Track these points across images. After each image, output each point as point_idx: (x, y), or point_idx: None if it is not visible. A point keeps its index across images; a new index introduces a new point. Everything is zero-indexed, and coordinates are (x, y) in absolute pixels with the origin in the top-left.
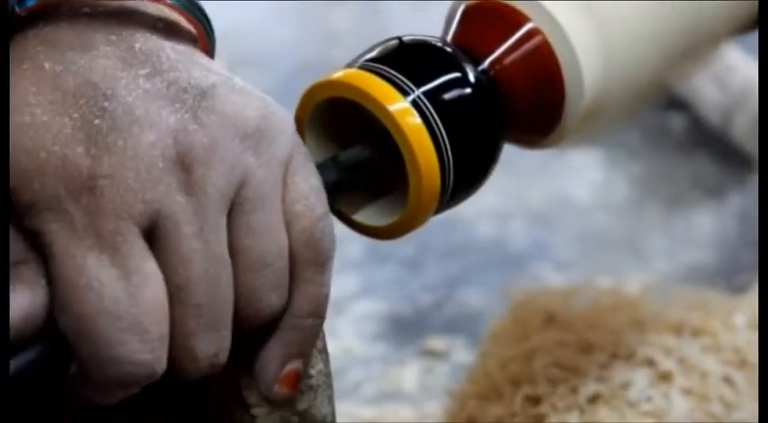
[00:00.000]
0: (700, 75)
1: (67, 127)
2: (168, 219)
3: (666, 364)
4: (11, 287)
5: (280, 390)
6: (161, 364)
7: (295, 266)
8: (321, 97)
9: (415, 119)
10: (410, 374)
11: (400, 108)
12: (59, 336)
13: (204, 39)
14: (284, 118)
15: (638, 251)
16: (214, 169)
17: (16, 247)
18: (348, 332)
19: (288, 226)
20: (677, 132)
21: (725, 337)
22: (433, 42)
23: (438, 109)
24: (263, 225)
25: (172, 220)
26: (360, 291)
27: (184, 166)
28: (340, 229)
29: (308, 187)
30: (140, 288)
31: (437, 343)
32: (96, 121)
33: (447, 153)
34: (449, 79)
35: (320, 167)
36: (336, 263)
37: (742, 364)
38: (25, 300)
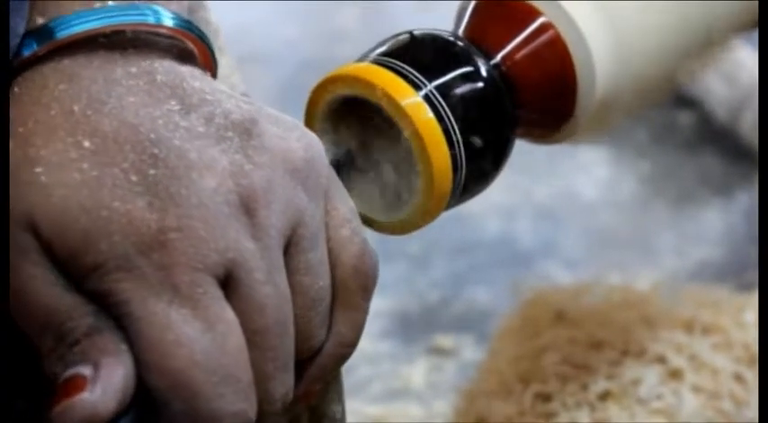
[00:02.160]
0: (708, 72)
1: (121, 179)
2: (241, 266)
3: (677, 361)
4: (94, 361)
5: (295, 405)
6: (254, 411)
7: (343, 293)
8: (333, 92)
9: (428, 113)
10: (418, 372)
11: (412, 102)
12: (146, 396)
13: (207, 56)
14: (319, 144)
15: (647, 248)
16: (273, 210)
17: (81, 314)
18: None
19: (336, 253)
20: (685, 129)
21: (736, 335)
22: (445, 36)
23: (450, 103)
24: (319, 261)
25: (244, 267)
26: None
27: (248, 209)
28: None
29: (349, 210)
30: (226, 337)
31: (445, 340)
32: (152, 171)
33: (459, 148)
34: (461, 74)
35: None
36: None
37: (752, 361)
38: (118, 373)
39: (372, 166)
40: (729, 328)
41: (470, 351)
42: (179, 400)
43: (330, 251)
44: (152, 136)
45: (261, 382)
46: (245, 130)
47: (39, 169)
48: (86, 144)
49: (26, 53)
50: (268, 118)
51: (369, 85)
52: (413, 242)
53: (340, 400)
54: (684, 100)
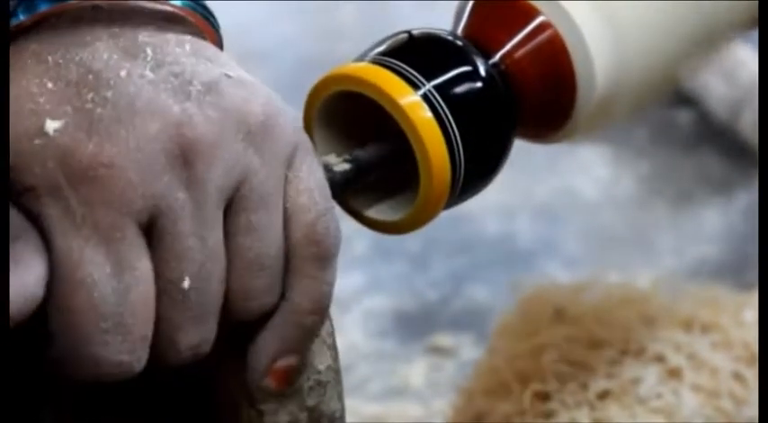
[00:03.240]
0: (707, 70)
1: (69, 114)
2: (166, 215)
3: (676, 360)
4: (11, 266)
5: (269, 383)
6: (140, 364)
7: (296, 261)
8: (331, 91)
9: (426, 112)
10: (417, 371)
11: (411, 102)
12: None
13: (213, 35)
14: (289, 113)
15: (646, 247)
16: (215, 166)
17: (15, 223)
18: (354, 328)
19: (289, 220)
20: (684, 128)
21: (735, 333)
22: (444, 36)
23: (449, 103)
24: (264, 225)
25: (170, 216)
26: (366, 287)
27: (186, 160)
28: (346, 225)
29: (313, 181)
30: (131, 287)
31: (444, 339)
32: (98, 110)
33: (458, 147)
34: (459, 73)
35: (336, 163)
36: (342, 259)
37: (752, 360)
38: (25, 277)
39: (379, 168)
40: (729, 326)
41: (469, 350)
42: (65, 337)
43: (286, 218)
44: (111, 82)
45: (167, 329)
46: (207, 86)
47: None
48: (49, 85)
49: (22, 18)
50: (237, 80)
51: (367, 84)
52: (411, 241)
53: (339, 399)
54: (683, 98)
